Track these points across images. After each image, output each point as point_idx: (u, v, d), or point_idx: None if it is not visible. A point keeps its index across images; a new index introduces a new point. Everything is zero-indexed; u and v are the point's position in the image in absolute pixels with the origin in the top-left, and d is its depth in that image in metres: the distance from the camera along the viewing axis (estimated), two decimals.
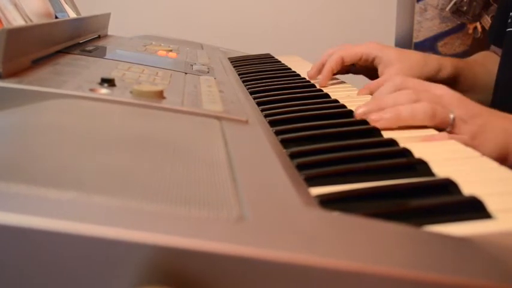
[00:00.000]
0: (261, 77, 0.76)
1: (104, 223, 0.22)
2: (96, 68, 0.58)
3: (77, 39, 0.74)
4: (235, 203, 0.27)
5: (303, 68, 0.84)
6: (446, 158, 0.41)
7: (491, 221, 0.30)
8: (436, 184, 0.35)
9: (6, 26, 0.59)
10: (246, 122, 0.46)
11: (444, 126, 0.49)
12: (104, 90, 0.46)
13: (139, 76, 0.57)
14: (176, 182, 0.28)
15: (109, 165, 0.29)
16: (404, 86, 0.53)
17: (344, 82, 0.78)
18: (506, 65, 0.79)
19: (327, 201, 0.32)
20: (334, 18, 1.70)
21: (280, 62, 0.94)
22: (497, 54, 0.90)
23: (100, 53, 0.70)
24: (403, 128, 0.49)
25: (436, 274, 0.23)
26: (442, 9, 1.45)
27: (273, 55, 1.04)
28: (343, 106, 0.57)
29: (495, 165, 0.39)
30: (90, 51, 0.68)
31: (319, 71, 0.76)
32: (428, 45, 1.47)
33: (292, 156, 0.40)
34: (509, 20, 0.79)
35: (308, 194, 0.33)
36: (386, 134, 0.47)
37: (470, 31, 1.46)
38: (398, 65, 0.73)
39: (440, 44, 1.47)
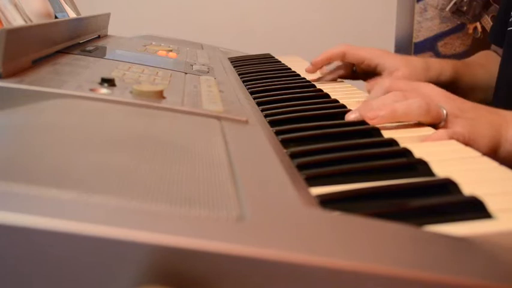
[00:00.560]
0: (261, 77, 0.76)
1: (103, 223, 0.22)
2: (96, 68, 0.58)
3: (77, 39, 0.74)
4: (235, 203, 0.27)
5: (303, 68, 0.84)
6: (447, 158, 0.41)
7: (492, 221, 0.30)
8: (436, 184, 0.35)
9: (6, 26, 0.59)
10: (246, 122, 0.46)
11: (438, 122, 0.50)
12: (104, 90, 0.46)
13: (140, 76, 0.57)
14: (176, 181, 0.28)
15: (109, 165, 0.29)
16: (392, 89, 0.54)
17: (345, 83, 0.78)
18: (507, 64, 0.79)
19: (327, 201, 0.32)
20: (334, 18, 1.70)
21: (280, 62, 0.94)
22: (497, 53, 0.90)
23: (100, 53, 0.70)
24: (402, 128, 0.49)
25: (436, 274, 0.23)
26: (442, 9, 1.45)
27: (273, 55, 1.04)
28: (343, 106, 0.57)
29: (495, 165, 0.39)
30: (90, 51, 0.68)
31: (317, 68, 0.77)
32: (428, 45, 1.47)
33: (293, 156, 0.40)
34: (510, 20, 0.80)
35: (308, 194, 0.33)
36: (386, 134, 0.47)
37: (470, 31, 1.46)
38: (404, 69, 0.75)
39: (440, 44, 1.47)
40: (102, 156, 0.30)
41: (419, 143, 0.45)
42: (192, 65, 0.74)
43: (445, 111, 0.50)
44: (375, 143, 0.45)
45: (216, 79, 0.66)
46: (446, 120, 0.50)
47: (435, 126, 0.50)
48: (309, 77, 0.79)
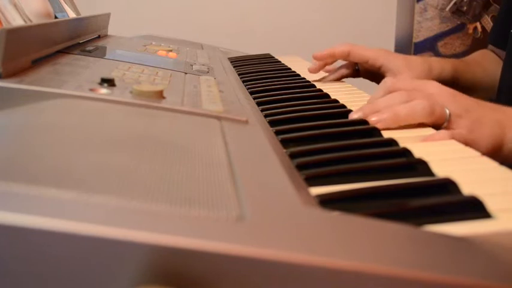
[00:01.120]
0: (261, 77, 0.76)
1: (103, 223, 0.22)
2: (96, 68, 0.58)
3: (77, 39, 0.74)
4: (235, 203, 0.27)
5: (303, 68, 0.84)
6: (447, 158, 0.41)
7: (491, 221, 0.30)
8: (436, 184, 0.35)
9: (6, 26, 0.59)
10: (246, 122, 0.46)
11: (441, 122, 0.49)
12: (104, 90, 0.46)
13: (139, 76, 0.57)
14: (176, 181, 0.28)
15: (109, 165, 0.29)
16: (395, 88, 0.54)
17: (345, 83, 0.78)
18: (510, 66, 0.79)
19: (327, 201, 0.32)
20: (334, 18, 1.71)
21: (280, 62, 0.94)
22: (495, 53, 0.90)
23: (100, 53, 0.70)
24: (402, 127, 0.49)
25: (436, 274, 0.23)
26: (442, 9, 1.45)
27: (273, 55, 1.04)
28: (343, 106, 0.57)
29: (495, 165, 0.39)
30: (90, 51, 0.68)
31: (320, 68, 0.77)
32: (428, 45, 1.47)
33: (292, 156, 0.40)
34: None
35: (308, 193, 0.33)
36: (386, 134, 0.47)
37: (470, 31, 1.46)
38: (407, 73, 0.75)
39: (440, 44, 1.47)
40: (102, 156, 0.30)
41: (419, 143, 0.45)
42: (192, 65, 0.74)
43: (448, 112, 0.50)
44: (375, 143, 0.45)
45: (216, 79, 0.66)
46: (449, 120, 0.50)
47: (438, 126, 0.50)
48: (310, 76, 0.79)
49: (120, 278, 0.22)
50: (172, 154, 0.33)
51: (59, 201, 0.24)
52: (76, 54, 0.65)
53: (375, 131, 0.47)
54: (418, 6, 1.46)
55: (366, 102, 0.63)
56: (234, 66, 0.88)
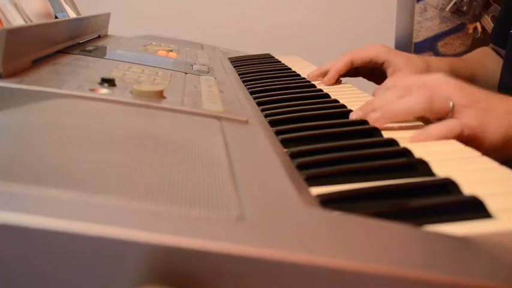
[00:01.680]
0: (261, 77, 0.76)
1: (103, 223, 0.22)
2: (96, 68, 0.58)
3: (77, 39, 0.74)
4: (235, 203, 0.27)
5: (303, 68, 0.84)
6: (447, 158, 0.40)
7: (492, 221, 0.30)
8: (436, 184, 0.35)
9: (6, 26, 0.59)
10: (246, 122, 0.46)
11: (444, 115, 0.48)
12: (104, 90, 0.46)
13: (140, 76, 0.57)
14: (176, 181, 0.28)
15: (109, 165, 0.29)
16: (395, 85, 0.53)
17: (345, 83, 0.78)
18: (509, 67, 0.79)
19: (327, 201, 0.32)
20: (334, 18, 1.71)
21: (280, 62, 0.94)
22: (495, 51, 0.90)
23: (100, 53, 0.70)
24: (403, 127, 0.49)
25: (436, 274, 0.23)
26: (442, 9, 1.45)
27: (273, 55, 1.04)
28: (343, 106, 0.57)
29: (495, 165, 0.39)
30: (90, 51, 0.68)
31: (323, 75, 0.76)
32: (428, 45, 1.47)
33: (293, 156, 0.40)
34: None
35: (308, 193, 0.33)
36: (388, 134, 0.47)
37: (470, 31, 1.46)
38: (405, 70, 0.75)
39: (440, 44, 1.47)
40: (102, 156, 0.30)
41: (419, 143, 0.45)
42: (192, 65, 0.74)
43: (451, 103, 0.47)
44: (375, 143, 0.45)
45: (216, 79, 0.66)
46: (453, 111, 0.47)
47: (442, 119, 0.48)
48: None
49: (120, 278, 0.22)
50: (172, 154, 0.33)
51: (59, 201, 0.24)
52: (76, 54, 0.65)
53: (375, 131, 0.47)
54: (418, 6, 1.46)
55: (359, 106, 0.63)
56: (234, 66, 0.88)
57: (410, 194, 0.34)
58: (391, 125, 0.49)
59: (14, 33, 0.46)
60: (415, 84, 0.51)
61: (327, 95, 0.63)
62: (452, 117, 0.47)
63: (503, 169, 0.38)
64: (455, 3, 1.44)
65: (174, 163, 0.31)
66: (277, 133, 0.47)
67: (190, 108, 0.46)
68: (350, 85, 0.75)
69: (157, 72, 0.62)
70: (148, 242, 0.22)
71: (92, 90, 0.45)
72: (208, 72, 0.71)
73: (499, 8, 1.04)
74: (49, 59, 0.57)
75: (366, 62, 0.77)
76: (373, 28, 1.68)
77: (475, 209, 0.31)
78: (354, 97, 0.66)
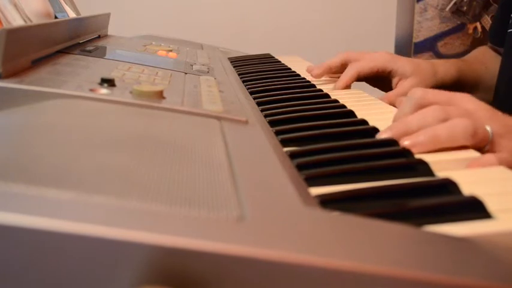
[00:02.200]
0: (261, 77, 0.76)
1: (103, 223, 0.22)
2: (96, 68, 0.58)
3: (77, 39, 0.74)
4: (235, 203, 0.27)
5: (303, 68, 0.84)
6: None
7: (491, 221, 0.30)
8: (436, 184, 0.35)
9: (6, 26, 0.59)
10: (246, 122, 0.46)
11: (483, 144, 0.44)
12: (104, 90, 0.46)
13: (139, 76, 0.57)
14: (176, 182, 0.28)
15: (109, 165, 0.29)
16: (426, 102, 0.47)
17: (350, 88, 0.77)
18: (507, 66, 0.79)
19: (327, 201, 0.32)
20: (334, 18, 1.71)
21: (280, 62, 0.94)
22: (495, 51, 0.90)
23: (100, 53, 0.70)
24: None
25: (436, 274, 0.23)
26: (442, 9, 1.45)
27: (273, 55, 1.04)
28: (343, 106, 0.57)
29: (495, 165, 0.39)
30: (90, 51, 0.68)
31: (324, 73, 0.76)
32: (428, 45, 1.47)
33: (292, 156, 0.40)
34: (510, 21, 0.79)
35: (308, 194, 0.33)
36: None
37: (470, 31, 1.46)
38: (412, 78, 0.74)
39: (440, 44, 1.47)
40: (102, 157, 0.30)
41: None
42: (192, 65, 0.74)
43: (490, 130, 0.44)
44: (375, 143, 0.44)
45: (216, 79, 0.66)
46: (492, 141, 0.44)
47: (479, 149, 0.43)
48: (310, 76, 0.79)
49: (120, 278, 0.22)
50: (172, 154, 0.33)
51: (59, 202, 0.24)
52: (76, 54, 0.65)
53: (375, 131, 0.47)
54: (418, 6, 1.46)
55: (366, 103, 0.63)
56: (234, 66, 0.88)
57: (410, 194, 0.34)
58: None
59: (14, 33, 0.46)
60: (450, 107, 0.45)
61: (327, 95, 0.63)
62: (490, 147, 0.44)
63: (503, 169, 0.38)
64: (455, 3, 1.44)
65: (173, 163, 0.31)
66: (277, 133, 0.47)
67: (190, 108, 0.46)
68: (357, 90, 0.74)
69: (157, 72, 0.62)
70: (148, 243, 0.22)
71: (91, 90, 0.45)
72: (208, 72, 0.71)
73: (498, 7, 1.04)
74: (49, 59, 0.57)
75: (373, 73, 0.76)
76: (373, 28, 1.68)
77: (475, 209, 0.31)
78: (355, 97, 0.66)
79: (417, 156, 0.40)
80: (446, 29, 1.46)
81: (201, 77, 0.65)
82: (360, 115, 0.53)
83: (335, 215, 0.29)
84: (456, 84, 0.79)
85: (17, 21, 0.61)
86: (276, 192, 0.31)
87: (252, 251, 0.22)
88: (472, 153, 0.41)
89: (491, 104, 0.48)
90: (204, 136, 0.39)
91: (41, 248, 0.21)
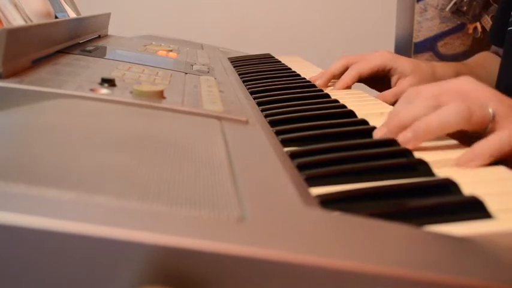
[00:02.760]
0: (261, 77, 0.76)
1: (103, 223, 0.22)
2: (96, 68, 0.58)
3: (77, 39, 0.74)
4: (235, 203, 0.27)
5: (303, 68, 0.84)
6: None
7: (492, 221, 0.30)
8: (437, 184, 0.35)
9: (6, 26, 0.59)
10: (246, 122, 0.46)
11: (484, 126, 0.41)
12: (104, 90, 0.46)
13: (140, 76, 0.57)
14: (176, 182, 0.28)
15: (109, 165, 0.29)
16: (420, 95, 0.45)
17: (350, 88, 0.77)
18: (507, 65, 0.79)
19: (327, 201, 0.32)
20: (334, 18, 1.71)
21: (280, 62, 0.94)
22: (498, 55, 0.90)
23: (100, 53, 0.70)
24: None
25: (436, 274, 0.23)
26: (442, 9, 1.45)
27: (273, 55, 1.04)
28: (344, 106, 0.57)
29: (495, 165, 0.38)
30: (90, 51, 0.68)
31: (328, 81, 0.76)
32: (428, 45, 1.47)
33: (293, 156, 0.40)
34: (510, 19, 0.79)
35: (308, 194, 0.33)
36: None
37: (470, 31, 1.46)
38: (411, 77, 0.74)
39: (440, 44, 1.47)
40: (102, 156, 0.30)
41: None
42: (192, 65, 0.74)
43: (491, 111, 0.41)
44: (375, 143, 0.44)
45: (216, 79, 0.66)
46: (494, 121, 0.41)
47: (481, 130, 0.41)
48: (310, 76, 0.79)
49: (120, 278, 0.22)
50: (172, 154, 0.33)
51: (59, 202, 0.24)
52: (76, 54, 0.65)
53: (376, 129, 0.47)
54: (418, 6, 1.46)
55: (367, 103, 0.63)
56: (234, 66, 0.88)
57: (410, 194, 0.34)
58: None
59: (14, 33, 0.46)
60: (443, 92, 0.44)
61: (327, 95, 0.63)
62: (493, 127, 0.41)
63: (503, 169, 0.38)
64: (455, 3, 1.44)
65: (174, 163, 0.31)
66: (277, 133, 0.47)
67: (190, 108, 0.46)
68: (359, 90, 0.74)
69: (158, 72, 0.62)
70: (149, 243, 0.22)
71: (92, 90, 0.46)
72: (208, 72, 0.71)
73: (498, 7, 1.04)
74: (49, 59, 0.57)
75: (374, 72, 0.76)
76: (373, 28, 1.68)
77: (475, 209, 0.31)
78: (355, 97, 0.66)
79: (417, 156, 0.40)
80: (446, 29, 1.46)
81: (201, 77, 0.65)
82: (360, 115, 0.53)
83: (335, 215, 0.29)
84: None
85: (17, 21, 0.61)
86: (276, 192, 0.31)
87: (253, 251, 0.22)
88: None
89: None
90: (205, 136, 0.39)
91: (41, 248, 0.21)
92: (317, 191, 0.34)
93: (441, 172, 0.37)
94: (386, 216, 0.29)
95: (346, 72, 0.74)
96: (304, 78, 0.76)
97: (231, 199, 0.27)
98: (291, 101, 0.59)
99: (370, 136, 0.47)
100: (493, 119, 0.41)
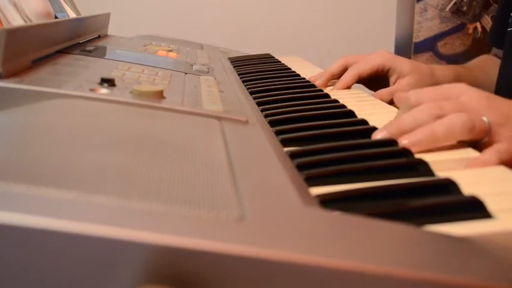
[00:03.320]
0: (261, 77, 0.76)
1: (103, 223, 0.22)
2: (96, 68, 0.58)
3: (77, 39, 0.74)
4: (235, 203, 0.27)
5: (303, 68, 0.84)
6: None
7: (492, 221, 0.30)
8: (436, 184, 0.35)
9: (6, 26, 0.59)
10: (246, 122, 0.46)
11: (482, 137, 0.43)
12: (104, 90, 0.46)
13: (139, 76, 0.57)
14: (176, 182, 0.28)
15: (109, 165, 0.29)
16: (420, 101, 0.46)
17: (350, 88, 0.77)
18: (507, 66, 0.79)
19: (327, 201, 0.32)
20: (334, 18, 1.71)
21: (280, 62, 0.94)
22: (498, 57, 0.90)
23: (100, 53, 0.70)
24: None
25: (436, 274, 0.23)
26: (442, 9, 1.45)
27: (273, 55, 1.04)
28: (343, 106, 0.57)
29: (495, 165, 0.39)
30: (90, 51, 0.68)
31: (327, 81, 0.76)
32: (428, 45, 1.47)
33: (292, 156, 0.40)
34: (510, 20, 0.79)
35: (308, 194, 0.33)
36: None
37: (470, 31, 1.46)
38: (409, 77, 0.74)
39: (440, 44, 1.47)
40: (102, 156, 0.30)
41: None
42: (192, 65, 0.74)
43: (487, 122, 0.43)
44: (375, 143, 0.45)
45: (216, 79, 0.66)
46: (490, 132, 0.43)
47: (478, 141, 0.43)
48: (310, 76, 0.79)
49: (120, 278, 0.22)
50: (172, 154, 0.33)
51: (60, 201, 0.24)
52: (76, 54, 0.65)
53: (375, 131, 0.47)
54: (418, 6, 1.46)
55: (366, 103, 0.63)
56: (234, 66, 0.88)
57: (410, 194, 0.34)
58: None
59: (14, 33, 0.46)
60: (443, 99, 0.45)
61: (327, 95, 0.63)
62: (489, 139, 0.43)
63: (503, 169, 0.38)
64: (455, 3, 1.44)
65: (174, 163, 0.31)
66: (277, 133, 0.47)
67: (190, 108, 0.46)
68: (359, 91, 0.74)
69: (157, 72, 0.62)
70: (149, 242, 0.22)
71: (91, 90, 0.46)
72: (208, 72, 0.71)
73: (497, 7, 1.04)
74: (49, 59, 0.57)
75: (373, 72, 0.76)
76: (373, 28, 1.68)
77: (475, 209, 0.31)
78: (355, 97, 0.66)
79: (417, 156, 0.40)
80: (446, 29, 1.46)
81: (201, 77, 0.65)
82: (360, 115, 0.53)
83: (335, 215, 0.29)
84: None
85: (17, 21, 0.61)
86: (276, 192, 0.31)
87: (252, 251, 0.22)
88: (472, 153, 0.41)
89: None
90: (204, 136, 0.39)
91: (42, 248, 0.21)
92: (317, 190, 0.34)
93: (441, 172, 0.37)
94: (386, 216, 0.29)
95: (346, 73, 0.74)
96: (304, 78, 0.76)
97: (230, 199, 0.27)
98: (291, 101, 0.59)
99: (370, 136, 0.47)
100: (490, 129, 0.42)
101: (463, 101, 0.45)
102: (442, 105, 0.44)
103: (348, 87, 0.74)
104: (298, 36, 1.68)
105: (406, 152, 0.41)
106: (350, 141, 0.44)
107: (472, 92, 0.46)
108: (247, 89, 0.68)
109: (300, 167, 0.38)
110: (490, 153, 0.40)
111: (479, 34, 1.45)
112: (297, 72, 0.81)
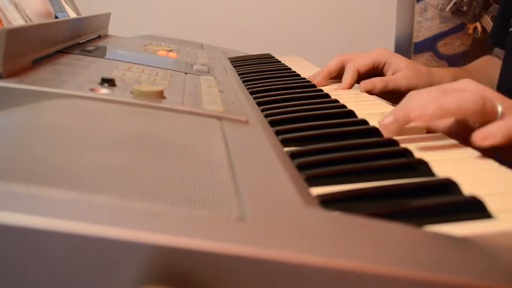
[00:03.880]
0: (261, 77, 0.76)
1: (104, 223, 0.22)
2: (97, 68, 0.58)
3: (77, 39, 0.74)
4: (235, 203, 0.27)
5: (303, 68, 0.84)
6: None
7: (492, 221, 0.30)
8: (436, 184, 0.35)
9: (6, 26, 0.59)
10: (246, 122, 0.46)
11: (493, 118, 0.42)
12: (104, 90, 0.46)
13: (140, 76, 0.57)
14: (177, 182, 0.28)
15: (110, 165, 0.29)
16: (422, 92, 0.45)
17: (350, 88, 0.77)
18: (509, 66, 0.79)
19: (327, 201, 0.32)
20: (334, 18, 1.70)
21: (280, 62, 0.94)
22: (500, 58, 0.90)
23: (100, 53, 0.70)
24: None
25: (436, 274, 0.23)
26: (442, 9, 1.45)
27: (273, 55, 1.04)
28: (344, 106, 0.57)
29: (495, 165, 0.38)
30: (90, 51, 0.68)
31: (325, 79, 0.76)
32: (428, 45, 1.47)
33: (293, 156, 0.40)
34: (511, 20, 0.79)
35: (309, 194, 0.33)
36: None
37: (470, 31, 1.46)
38: (405, 71, 0.74)
39: (440, 44, 1.47)
40: (103, 156, 0.30)
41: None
42: (192, 65, 0.74)
43: (500, 108, 0.42)
44: (375, 143, 0.44)
45: (216, 79, 0.66)
46: (501, 118, 0.42)
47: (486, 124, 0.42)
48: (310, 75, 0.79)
49: (121, 278, 0.22)
50: (172, 154, 0.33)
51: (60, 201, 0.24)
52: (76, 54, 0.65)
53: (376, 131, 0.47)
54: (418, 6, 1.46)
55: (367, 103, 0.63)
56: (234, 66, 0.88)
57: (410, 194, 0.34)
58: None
59: (14, 33, 0.46)
60: (448, 89, 0.44)
61: (327, 95, 0.63)
62: (501, 119, 0.42)
63: (503, 169, 0.38)
64: (455, 3, 1.44)
65: (174, 163, 0.31)
66: (277, 133, 0.47)
67: (190, 108, 0.46)
68: (358, 90, 0.74)
69: (158, 72, 0.62)
70: (149, 243, 0.22)
71: (92, 90, 0.46)
72: (208, 72, 0.71)
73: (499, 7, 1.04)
74: (49, 59, 0.57)
75: (370, 68, 0.76)
76: (373, 28, 1.67)
77: (475, 209, 0.31)
78: (356, 97, 0.66)
79: (417, 156, 0.40)
80: (446, 29, 1.46)
81: (201, 77, 0.65)
82: (360, 115, 0.53)
83: (335, 215, 0.29)
84: None
85: (18, 21, 0.61)
86: (276, 192, 0.31)
87: (253, 251, 0.22)
88: (472, 153, 0.41)
89: None
90: (205, 136, 0.39)
91: (42, 248, 0.21)
92: (317, 191, 0.34)
93: (441, 172, 0.37)
94: (387, 216, 0.29)
95: (345, 73, 0.74)
96: (304, 78, 0.76)
97: (231, 199, 0.27)
98: (291, 101, 0.59)
99: (371, 136, 0.47)
100: (502, 115, 0.42)
101: (469, 89, 0.44)
102: (447, 91, 0.43)
103: (351, 86, 0.74)
104: (298, 36, 1.68)
105: (406, 152, 0.41)
106: (350, 141, 0.44)
107: (477, 85, 0.45)
108: (248, 89, 0.68)
109: (300, 167, 0.38)
110: (499, 126, 0.40)
111: (479, 34, 1.45)
112: (297, 72, 0.81)
